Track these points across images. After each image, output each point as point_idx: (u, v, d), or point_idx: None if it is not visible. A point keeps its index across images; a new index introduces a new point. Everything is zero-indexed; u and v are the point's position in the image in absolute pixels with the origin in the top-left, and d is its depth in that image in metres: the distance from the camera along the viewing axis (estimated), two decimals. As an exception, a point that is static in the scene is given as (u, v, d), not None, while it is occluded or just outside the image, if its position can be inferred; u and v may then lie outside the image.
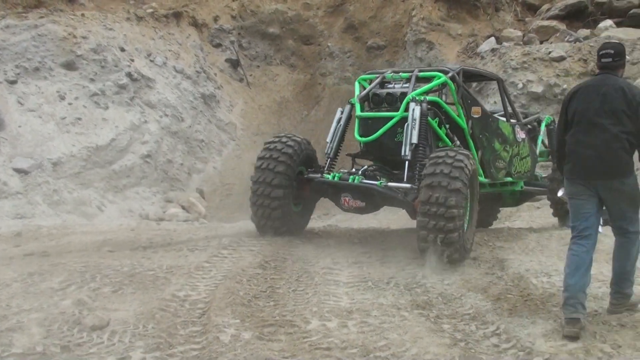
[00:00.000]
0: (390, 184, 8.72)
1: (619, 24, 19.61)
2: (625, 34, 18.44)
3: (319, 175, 9.47)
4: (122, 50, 16.70)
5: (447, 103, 9.39)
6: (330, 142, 9.59)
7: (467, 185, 7.90)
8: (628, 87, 5.92)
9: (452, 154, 8.09)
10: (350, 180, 8.97)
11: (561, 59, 17.47)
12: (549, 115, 12.83)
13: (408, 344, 5.20)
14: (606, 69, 6.02)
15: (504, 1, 21.89)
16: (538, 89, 16.97)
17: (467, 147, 9.20)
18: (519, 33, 19.94)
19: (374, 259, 8.11)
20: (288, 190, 9.24)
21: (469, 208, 8.27)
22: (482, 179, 9.26)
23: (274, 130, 19.75)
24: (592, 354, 4.82)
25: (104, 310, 6.02)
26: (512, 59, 17.68)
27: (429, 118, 8.91)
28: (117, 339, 5.39)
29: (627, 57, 17.33)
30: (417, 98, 8.84)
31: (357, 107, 9.36)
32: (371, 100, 9.42)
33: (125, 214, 13.92)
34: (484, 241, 9.08)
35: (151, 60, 17.61)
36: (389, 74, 9.64)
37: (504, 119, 10.33)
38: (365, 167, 9.36)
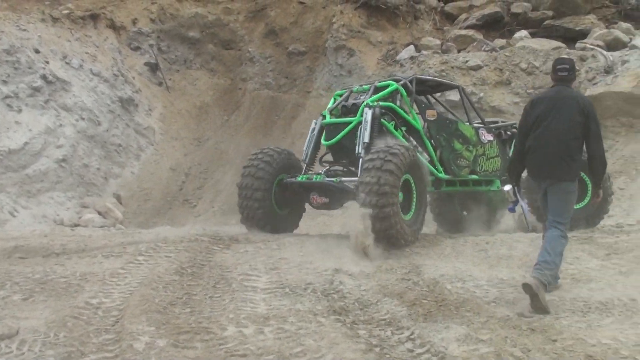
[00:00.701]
0: (343, 178, 9.83)
1: (533, 35, 20.15)
2: (540, 45, 18.95)
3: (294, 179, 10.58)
4: (37, 52, 16.33)
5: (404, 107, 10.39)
6: (306, 149, 10.80)
7: (401, 169, 8.90)
8: (581, 98, 6.80)
9: (390, 144, 9.21)
10: (314, 180, 10.19)
11: (478, 67, 17.83)
12: None
13: (324, 349, 5.19)
14: (562, 81, 6.87)
15: (423, 10, 22.24)
16: (456, 97, 17.22)
17: (423, 147, 10.38)
18: (438, 42, 20.28)
19: (292, 265, 8.08)
20: (267, 193, 10.37)
21: (415, 197, 9.46)
22: (442, 175, 10.50)
23: (194, 135, 19.60)
24: (502, 358, 4.89)
25: (14, 318, 5.84)
26: (430, 67, 17.96)
27: (385, 121, 9.98)
28: (26, 348, 5.24)
29: (541, 67, 17.81)
30: (370, 104, 9.93)
31: (327, 117, 10.58)
32: (340, 111, 10.56)
33: (39, 219, 13.59)
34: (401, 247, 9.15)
35: (67, 63, 17.25)
36: (355, 88, 11.04)
37: (467, 122, 11.34)
38: (328, 167, 10.63)
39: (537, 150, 6.75)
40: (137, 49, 20.78)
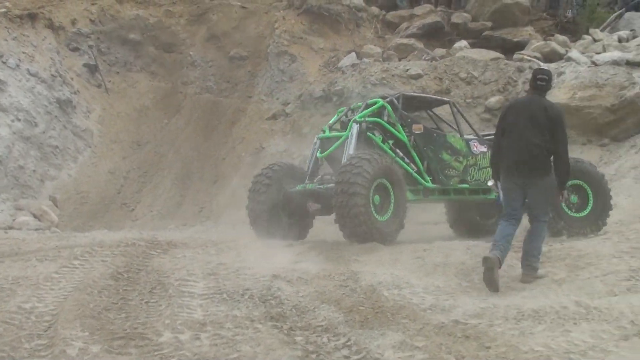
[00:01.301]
0: (329, 185, 10.72)
1: (473, 45, 20.45)
2: (479, 55, 19.24)
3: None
4: (-28, 50, 15.99)
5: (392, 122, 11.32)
6: (308, 162, 11.86)
7: (370, 173, 9.96)
8: (550, 106, 7.69)
9: (366, 152, 10.38)
10: (307, 188, 11.25)
11: (418, 76, 18.02)
12: None
13: (260, 356, 5.18)
14: (538, 89, 7.76)
15: (365, 18, 22.37)
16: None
17: (410, 158, 11.28)
18: (379, 50, 20.41)
19: (230, 270, 8.06)
20: (271, 202, 11.28)
21: (392, 201, 10.43)
22: (429, 184, 11.33)
23: (133, 138, 19.39)
24: (437, 364, 4.96)
25: (-58, 324, 5.71)
26: (371, 75, 18.08)
27: (373, 135, 11.03)
28: (-45, 354, 5.12)
29: (480, 76, 18.08)
30: (357, 120, 10.99)
31: (326, 131, 11.67)
32: (340, 126, 11.70)
33: (-29, 221, 13.30)
34: (339, 254, 9.19)
35: (3, 62, 16.92)
36: (353, 105, 12.19)
37: (458, 134, 12.16)
38: (320, 176, 11.55)
39: (512, 151, 7.61)
40: (76, 49, 20.42)
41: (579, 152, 14.94)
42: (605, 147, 16.17)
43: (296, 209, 11.37)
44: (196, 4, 22.55)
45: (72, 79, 19.38)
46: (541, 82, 7.73)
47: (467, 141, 12.03)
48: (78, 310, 6.10)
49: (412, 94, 13.01)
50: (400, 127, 11.37)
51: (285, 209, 11.43)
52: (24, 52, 17.91)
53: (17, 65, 17.28)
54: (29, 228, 13.65)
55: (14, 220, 14.14)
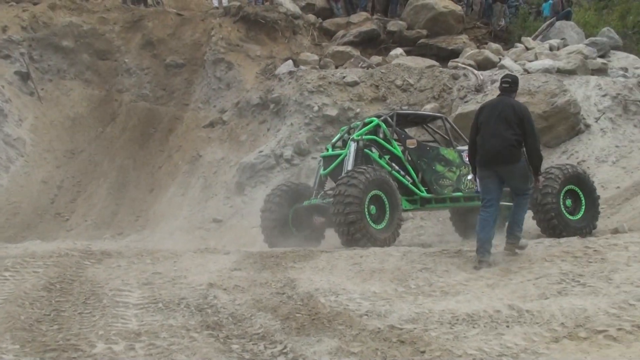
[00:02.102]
0: (331, 199, 11.26)
1: (408, 53, 20.67)
2: (414, 63, 19.47)
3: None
4: None
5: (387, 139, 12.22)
6: (315, 178, 12.75)
7: (365, 184, 10.83)
8: (517, 105, 8.89)
9: (362, 167, 11.23)
10: (311, 203, 12.17)
11: (355, 83, 18.12)
12: None
13: (196, 365, 5.15)
14: (505, 91, 8.96)
15: (302, 25, 22.42)
16: (333, 112, 17.50)
17: (405, 171, 12.06)
18: (316, 57, 20.46)
19: (166, 279, 7.96)
20: (281, 217, 12.26)
21: (388, 210, 11.21)
22: (424, 194, 12.12)
23: (67, 146, 19.09)
24: (373, 369, 4.99)
25: None
26: (308, 82, 18.12)
27: (370, 151, 11.96)
28: None
29: (415, 84, 18.32)
30: (355, 138, 11.93)
31: (329, 149, 12.57)
32: (342, 145, 12.49)
33: None
34: (277, 262, 9.17)
35: None
36: (353, 123, 13.21)
37: (450, 147, 12.97)
38: (323, 191, 12.31)
39: (486, 144, 8.67)
40: (7, 57, 19.99)
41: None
42: (538, 153, 16.49)
43: (304, 223, 12.40)
44: (131, 11, 22.30)
45: (3, 87, 18.98)
46: (505, 84, 8.94)
47: (460, 152, 12.66)
48: (9, 323, 5.97)
49: (406, 111, 14.06)
50: (394, 142, 12.27)
51: (295, 224, 12.48)
52: (-48, 59, 17.50)
53: (-54, 73, 16.87)
54: (-41, 239, 13.33)
55: (-58, 231, 13.80)
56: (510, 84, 8.96)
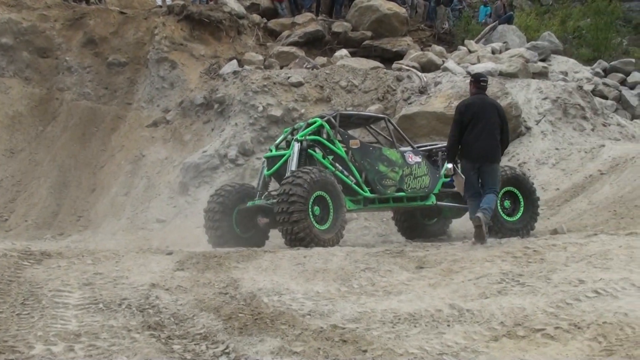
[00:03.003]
0: (273, 200, 11.48)
1: (353, 54, 20.82)
2: (359, 64, 19.60)
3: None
4: None
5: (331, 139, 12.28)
6: (258, 179, 12.75)
7: (309, 184, 10.91)
8: (498, 105, 10.16)
9: (306, 168, 11.33)
10: (255, 203, 12.11)
11: (299, 84, 18.16)
12: None
13: (137, 366, 5.10)
14: (482, 89, 9.99)
15: (247, 25, 22.38)
16: (277, 112, 17.50)
17: (349, 171, 12.10)
18: (261, 57, 20.45)
19: (107, 280, 7.86)
20: (225, 218, 12.14)
21: (332, 211, 11.34)
22: (368, 194, 12.16)
23: (6, 146, 18.74)
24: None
25: None
26: (253, 82, 18.11)
27: (314, 151, 12.07)
28: None
29: (360, 85, 18.45)
30: (298, 138, 11.95)
31: (273, 150, 12.50)
32: (286, 145, 12.50)
33: None
34: (220, 262, 9.12)
35: None
36: (296, 124, 13.21)
37: (393, 147, 12.97)
38: (267, 192, 12.28)
39: (475, 142, 9.69)
40: (-57, 54, 19.57)
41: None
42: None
43: (249, 223, 12.32)
44: (72, 9, 21.94)
45: (-61, 84, 18.56)
46: (484, 82, 10.05)
47: (403, 153, 12.77)
48: (-56, 325, 5.84)
49: (349, 112, 13.82)
50: (338, 143, 12.32)
51: (239, 224, 12.34)
52: None
53: None
54: None
55: None
56: (487, 83, 10.09)
